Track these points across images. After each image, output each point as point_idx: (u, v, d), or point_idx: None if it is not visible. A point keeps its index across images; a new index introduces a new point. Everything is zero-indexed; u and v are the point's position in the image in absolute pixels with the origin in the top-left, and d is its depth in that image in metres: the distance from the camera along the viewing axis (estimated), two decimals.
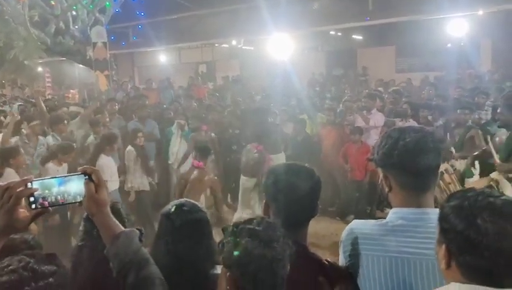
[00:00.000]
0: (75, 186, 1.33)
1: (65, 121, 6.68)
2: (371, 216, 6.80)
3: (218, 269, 1.78)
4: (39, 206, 1.30)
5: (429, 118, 6.97)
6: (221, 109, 8.86)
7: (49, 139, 6.25)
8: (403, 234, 1.54)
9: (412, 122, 6.66)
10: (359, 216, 6.76)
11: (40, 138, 6.20)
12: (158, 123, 7.84)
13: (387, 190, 1.61)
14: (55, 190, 1.31)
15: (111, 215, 1.36)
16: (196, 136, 6.91)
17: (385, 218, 1.63)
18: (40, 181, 1.31)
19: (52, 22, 10.48)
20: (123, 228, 1.36)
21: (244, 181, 6.03)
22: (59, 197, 1.32)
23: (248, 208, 5.97)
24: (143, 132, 6.88)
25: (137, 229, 1.40)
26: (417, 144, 1.52)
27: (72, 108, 8.22)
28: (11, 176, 4.83)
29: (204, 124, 7.14)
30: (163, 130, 7.73)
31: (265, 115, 7.11)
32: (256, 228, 1.38)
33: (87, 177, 1.34)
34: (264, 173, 1.77)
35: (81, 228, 2.33)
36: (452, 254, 1.22)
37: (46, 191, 1.31)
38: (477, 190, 1.25)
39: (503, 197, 1.21)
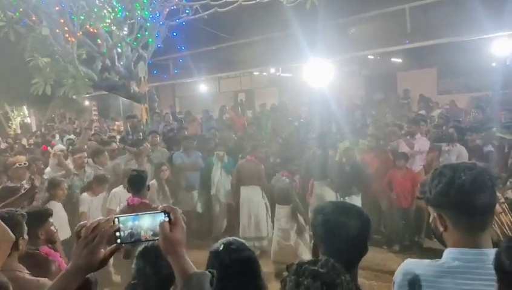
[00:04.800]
0: (149, 223, 1.36)
1: (105, 153, 6.93)
2: (419, 245, 6.56)
3: None
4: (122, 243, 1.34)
5: (478, 142, 6.66)
6: (260, 138, 8.91)
7: (89, 171, 6.40)
8: (461, 276, 1.48)
9: (459, 147, 6.45)
10: (406, 245, 6.54)
11: (87, 169, 6.41)
12: (201, 153, 7.96)
13: (441, 229, 1.56)
14: (129, 224, 1.35)
15: (185, 256, 1.38)
16: (244, 164, 7.09)
17: (435, 249, 1.58)
18: (121, 218, 1.36)
19: (99, 59, 11.00)
20: (195, 269, 1.38)
21: (279, 209, 6.20)
22: (133, 233, 1.35)
23: (286, 235, 6.11)
24: (187, 163, 7.03)
25: (208, 271, 1.41)
26: (474, 183, 1.47)
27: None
28: (56, 207, 5.05)
29: (251, 155, 7.19)
30: (205, 159, 7.84)
31: (323, 140, 7.01)
32: (320, 270, 1.37)
33: (166, 215, 1.37)
34: (312, 212, 1.75)
35: (133, 265, 2.36)
36: None
37: (122, 226, 1.35)
38: None
39: None
